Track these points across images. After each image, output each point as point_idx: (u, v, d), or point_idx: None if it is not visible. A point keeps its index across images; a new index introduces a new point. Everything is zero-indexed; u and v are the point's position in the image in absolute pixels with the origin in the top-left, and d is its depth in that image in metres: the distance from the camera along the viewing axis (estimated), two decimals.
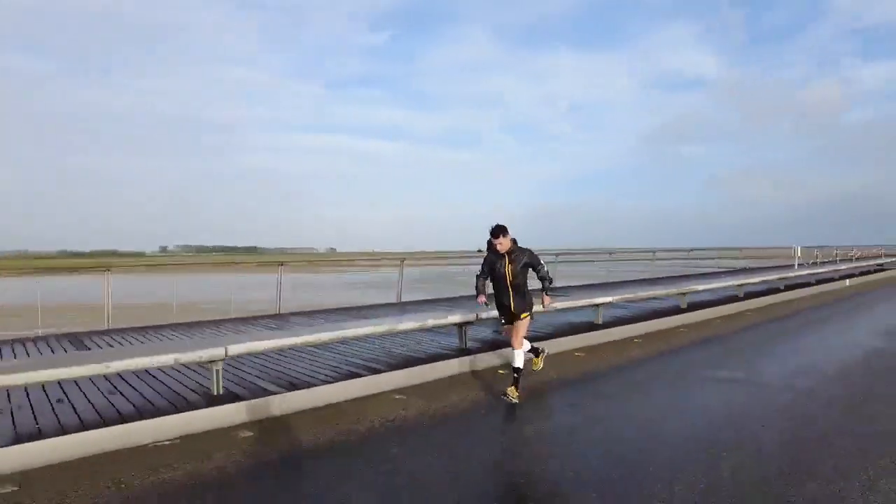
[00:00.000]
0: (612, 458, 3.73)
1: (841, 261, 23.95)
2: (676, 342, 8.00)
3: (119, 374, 5.11)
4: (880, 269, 23.44)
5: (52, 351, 6.85)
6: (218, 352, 4.49)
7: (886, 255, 28.59)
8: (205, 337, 6.98)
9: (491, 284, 5.32)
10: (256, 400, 4.57)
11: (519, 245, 5.12)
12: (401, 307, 11.02)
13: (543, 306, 5.35)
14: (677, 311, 9.90)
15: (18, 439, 3.65)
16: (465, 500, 3.15)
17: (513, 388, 4.96)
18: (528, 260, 5.08)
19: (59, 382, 4.82)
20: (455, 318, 6.43)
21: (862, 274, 20.46)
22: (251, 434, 4.15)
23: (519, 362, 5.09)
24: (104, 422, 4.02)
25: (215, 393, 4.62)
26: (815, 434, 4.14)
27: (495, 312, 5.62)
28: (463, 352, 6.43)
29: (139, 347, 5.65)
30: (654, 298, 10.40)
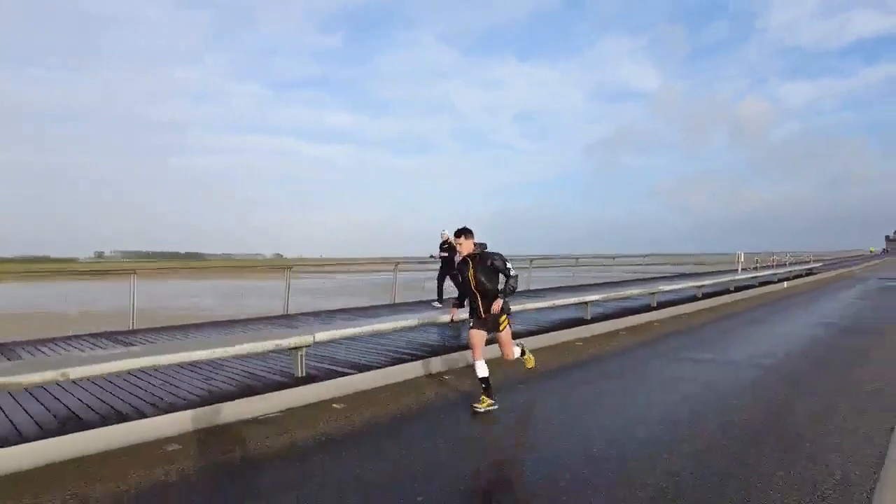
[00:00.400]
0: (625, 415, 4.85)
1: (777, 265, 26.51)
2: (654, 334, 9.33)
3: (192, 364, 5.84)
4: (810, 273, 26.18)
5: (103, 348, 7.37)
6: (307, 338, 5.33)
7: (814, 261, 31.74)
8: (298, 326, 8.06)
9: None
10: (335, 380, 5.42)
11: (487, 250, 5.05)
12: (394, 308, 11.86)
13: (493, 309, 4.97)
14: (649, 308, 11.30)
15: (166, 410, 4.39)
16: (526, 439, 4.18)
17: (529, 357, 5.77)
18: (491, 264, 4.96)
19: (142, 369, 5.51)
20: None
21: (796, 277, 22.89)
22: (344, 406, 5.01)
23: (517, 353, 5.56)
24: (218, 398, 4.79)
25: (299, 375, 5.44)
26: (775, 395, 5.44)
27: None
28: None
29: (242, 335, 6.35)
30: (629, 298, 11.76)
